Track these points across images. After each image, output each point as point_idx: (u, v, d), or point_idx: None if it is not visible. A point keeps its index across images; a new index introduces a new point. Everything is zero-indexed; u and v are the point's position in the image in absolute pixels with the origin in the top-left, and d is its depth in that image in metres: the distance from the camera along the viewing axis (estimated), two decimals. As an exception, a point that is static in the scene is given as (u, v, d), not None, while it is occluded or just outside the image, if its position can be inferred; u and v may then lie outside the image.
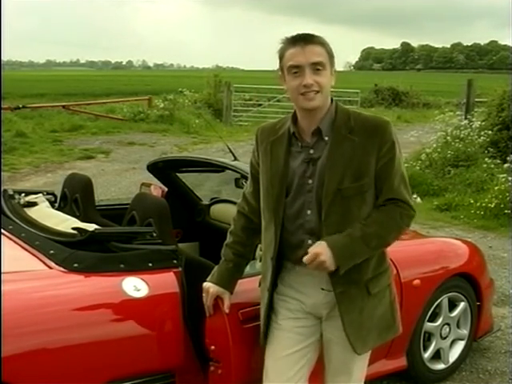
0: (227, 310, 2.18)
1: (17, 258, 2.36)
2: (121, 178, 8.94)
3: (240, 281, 2.27)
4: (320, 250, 1.91)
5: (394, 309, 2.15)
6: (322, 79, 1.92)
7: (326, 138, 1.99)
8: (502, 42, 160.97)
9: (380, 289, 2.08)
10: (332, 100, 2.03)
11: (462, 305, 3.32)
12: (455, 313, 3.30)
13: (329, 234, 1.96)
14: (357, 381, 2.18)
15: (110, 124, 14.55)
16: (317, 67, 1.92)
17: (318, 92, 1.93)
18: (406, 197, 2.02)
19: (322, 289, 2.06)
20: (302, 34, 1.94)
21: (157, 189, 3.46)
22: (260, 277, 2.21)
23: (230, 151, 3.18)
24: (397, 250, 2.80)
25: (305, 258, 1.93)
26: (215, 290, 2.18)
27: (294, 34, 1.97)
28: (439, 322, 3.22)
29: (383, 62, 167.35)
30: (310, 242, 2.02)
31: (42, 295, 2.09)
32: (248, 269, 2.40)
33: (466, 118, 9.98)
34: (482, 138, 9.06)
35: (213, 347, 2.23)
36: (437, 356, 3.28)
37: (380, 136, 1.96)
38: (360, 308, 2.04)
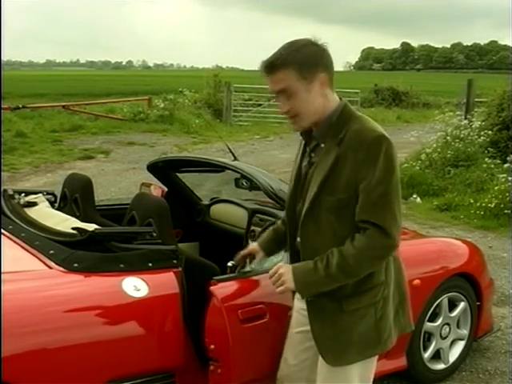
0: (254, 266, 2.34)
1: (17, 257, 2.35)
2: (121, 178, 8.94)
3: (240, 280, 2.30)
4: (283, 270, 1.99)
5: (382, 327, 2.03)
6: (296, 102, 1.88)
7: (323, 145, 1.97)
8: (502, 42, 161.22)
9: (360, 306, 1.99)
10: (340, 103, 1.96)
11: (461, 305, 3.32)
12: (455, 313, 3.30)
13: (304, 241, 2.00)
14: None
15: (109, 124, 14.54)
16: (286, 94, 1.88)
17: (295, 116, 1.91)
18: (382, 221, 1.85)
19: None
20: (267, 62, 1.88)
21: (157, 189, 3.46)
22: None
23: (230, 151, 3.18)
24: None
25: (269, 272, 2.06)
26: (253, 245, 2.38)
27: (265, 60, 1.89)
28: (439, 321, 3.22)
29: (383, 62, 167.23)
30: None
31: (41, 295, 2.09)
32: (248, 269, 2.42)
33: (465, 118, 9.97)
34: (481, 137, 9.06)
35: (212, 346, 2.23)
36: (437, 356, 3.28)
37: (364, 152, 1.85)
38: (333, 321, 2.01)
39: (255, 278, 2.37)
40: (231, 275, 2.43)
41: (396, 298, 2.10)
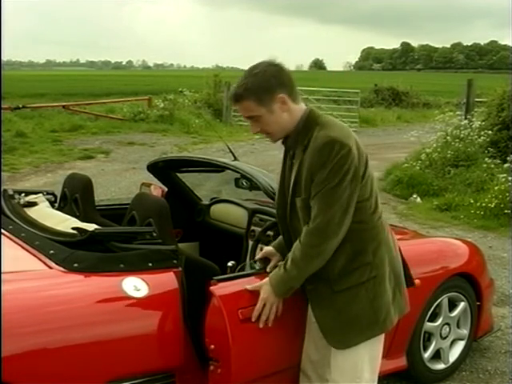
0: (269, 270, 2.38)
1: (17, 257, 2.35)
2: (121, 178, 8.94)
3: (241, 280, 2.32)
4: (264, 295, 2.21)
5: (377, 307, 2.19)
6: (263, 124, 2.12)
7: (296, 152, 2.17)
8: (502, 42, 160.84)
9: (349, 286, 2.16)
10: (305, 111, 2.15)
11: (461, 305, 3.32)
12: (455, 313, 3.30)
13: (293, 237, 2.20)
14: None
15: (109, 124, 14.55)
16: (253, 119, 2.12)
17: (267, 134, 2.16)
18: (315, 219, 2.06)
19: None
20: (232, 95, 2.13)
21: (157, 189, 3.46)
22: None
23: (230, 151, 3.18)
24: (397, 249, 2.77)
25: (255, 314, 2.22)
26: (269, 248, 2.47)
27: (231, 92, 2.18)
28: (439, 321, 3.22)
29: (383, 62, 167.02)
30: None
31: (42, 295, 2.09)
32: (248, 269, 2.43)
33: (465, 118, 9.96)
34: (481, 137, 9.06)
35: (212, 346, 2.23)
36: (437, 356, 3.28)
37: (316, 156, 2.05)
38: (329, 303, 2.20)
39: (255, 277, 2.37)
40: (231, 275, 2.44)
41: (392, 280, 2.23)
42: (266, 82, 2.06)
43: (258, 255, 2.52)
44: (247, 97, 2.08)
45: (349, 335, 2.20)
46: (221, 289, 2.27)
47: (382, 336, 2.28)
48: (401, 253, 2.41)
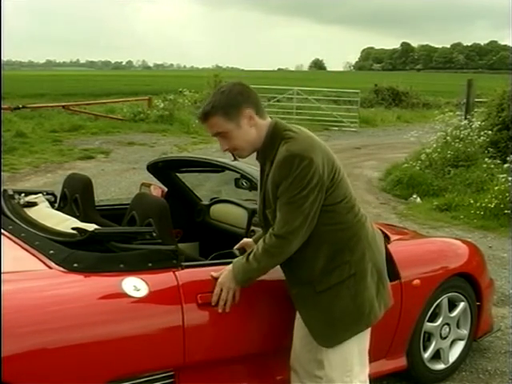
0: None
1: (17, 257, 2.35)
2: (121, 178, 8.94)
3: (208, 268, 2.40)
4: (222, 279, 2.29)
5: (360, 303, 2.26)
6: (231, 140, 2.21)
7: (266, 166, 2.27)
8: (502, 42, 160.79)
9: (330, 285, 2.24)
10: (270, 124, 2.22)
11: (461, 305, 3.32)
12: (455, 313, 3.30)
13: None
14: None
15: (109, 124, 14.55)
16: (222, 135, 2.20)
17: (235, 150, 2.24)
18: (277, 226, 2.17)
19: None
20: (199, 114, 2.23)
21: (157, 189, 3.46)
22: None
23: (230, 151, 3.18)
24: (397, 249, 2.79)
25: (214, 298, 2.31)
26: (248, 239, 2.64)
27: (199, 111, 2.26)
28: (439, 322, 3.22)
29: (383, 62, 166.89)
30: None
31: (41, 295, 2.09)
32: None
33: (465, 118, 9.97)
34: (481, 138, 9.06)
35: None
36: (437, 356, 3.28)
37: (278, 171, 2.15)
38: (313, 304, 2.27)
39: (216, 267, 2.41)
40: (200, 262, 2.55)
41: (375, 275, 2.30)
42: (232, 99, 2.16)
43: (237, 245, 2.62)
44: (215, 113, 2.16)
45: (336, 333, 2.29)
46: (185, 273, 2.33)
47: (369, 330, 2.35)
48: (386, 248, 2.48)
